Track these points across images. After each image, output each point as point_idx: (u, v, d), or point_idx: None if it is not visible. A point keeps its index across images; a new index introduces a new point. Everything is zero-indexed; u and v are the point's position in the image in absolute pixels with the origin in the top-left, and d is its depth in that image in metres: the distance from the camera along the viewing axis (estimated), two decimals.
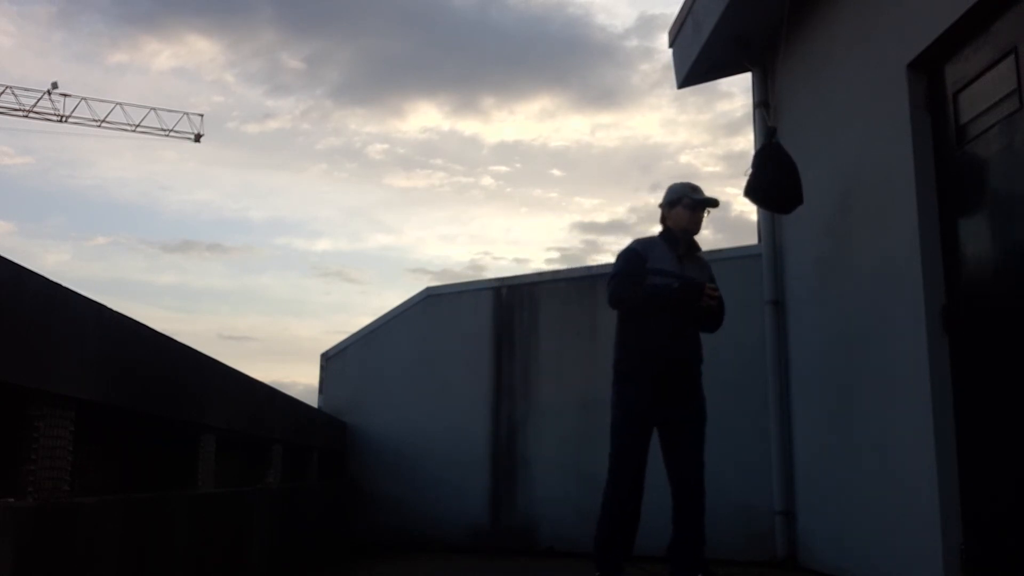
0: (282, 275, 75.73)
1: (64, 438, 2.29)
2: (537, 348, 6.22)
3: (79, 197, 68.66)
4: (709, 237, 13.46)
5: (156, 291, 66.09)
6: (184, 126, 36.89)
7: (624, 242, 4.10)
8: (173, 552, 2.98)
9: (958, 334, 3.44)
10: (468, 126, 68.57)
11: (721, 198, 4.05)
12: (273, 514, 4.33)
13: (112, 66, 59.81)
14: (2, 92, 34.28)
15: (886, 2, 3.96)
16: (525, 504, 6.02)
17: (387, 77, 67.54)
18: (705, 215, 4.05)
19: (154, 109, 35.89)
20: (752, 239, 5.72)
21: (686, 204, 4.00)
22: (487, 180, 69.49)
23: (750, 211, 5.82)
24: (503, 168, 71.61)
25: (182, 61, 62.28)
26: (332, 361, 6.85)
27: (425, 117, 66.35)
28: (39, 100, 34.53)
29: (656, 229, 4.12)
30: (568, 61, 66.07)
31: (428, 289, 6.70)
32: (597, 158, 70.60)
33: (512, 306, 6.38)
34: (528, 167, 71.57)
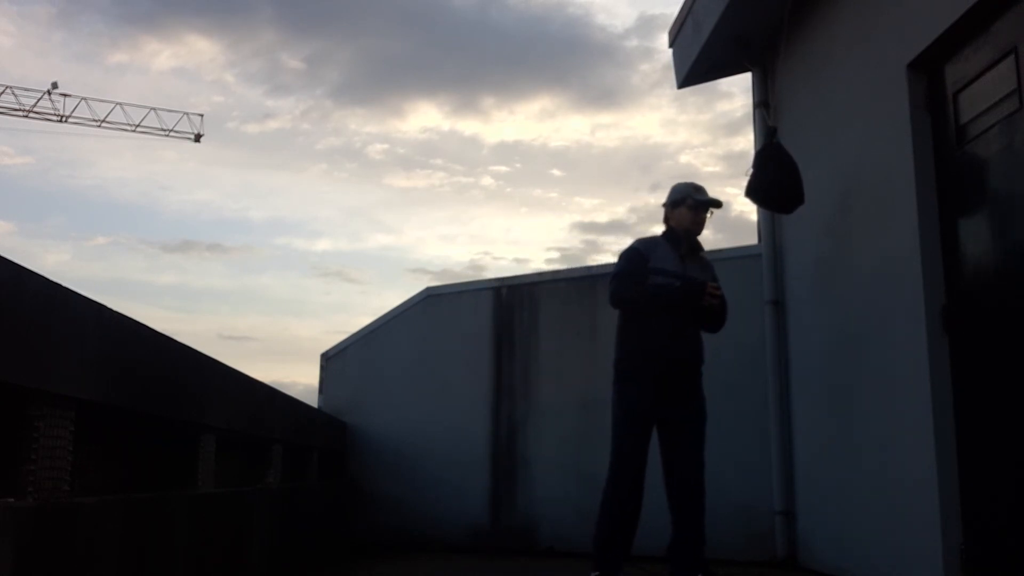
0: (282, 275, 75.80)
1: (64, 438, 2.29)
2: (537, 348, 6.22)
3: (79, 197, 68.71)
4: (709, 237, 13.41)
5: (156, 291, 66.14)
6: (184, 126, 36.91)
7: (624, 242, 4.11)
8: (173, 552, 2.98)
9: (958, 334, 3.44)
10: (468, 126, 68.62)
11: (721, 198, 4.06)
12: (273, 514, 4.33)
13: (112, 66, 59.85)
14: (2, 92, 34.31)
15: (886, 2, 3.96)
16: (525, 504, 6.02)
17: (387, 77, 67.59)
18: (708, 216, 4.05)
19: (154, 109, 35.94)
20: (752, 239, 5.72)
21: (689, 205, 4.01)
22: (487, 180, 69.53)
23: (750, 211, 5.83)
24: (503, 168, 71.65)
25: (182, 61, 62.33)
26: (332, 361, 6.85)
27: (425, 117, 66.40)
28: (39, 100, 34.57)
29: (657, 228, 4.14)
30: (568, 61, 66.12)
31: (428, 289, 6.70)
32: (597, 158, 70.64)
33: (512, 306, 6.38)
34: (528, 167, 71.63)
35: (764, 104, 5.51)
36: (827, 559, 4.54)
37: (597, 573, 3.80)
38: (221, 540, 3.53)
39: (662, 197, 4.14)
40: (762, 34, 5.26)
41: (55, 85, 34.75)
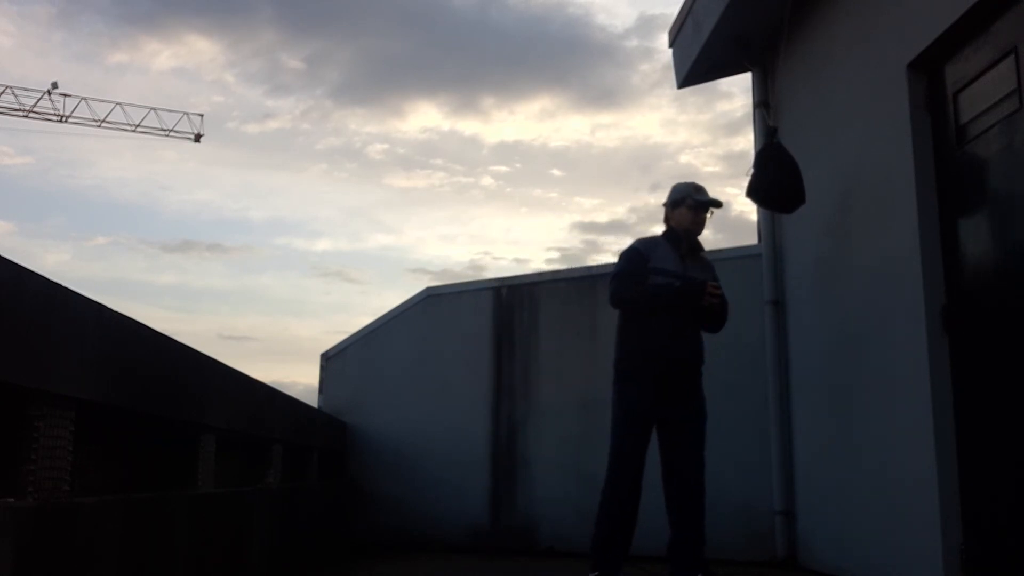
0: (282, 275, 75.79)
1: (64, 438, 2.29)
2: (537, 348, 6.22)
3: (79, 197, 68.71)
4: (709, 237, 13.40)
5: (156, 291, 66.14)
6: (184, 126, 36.92)
7: (624, 242, 4.12)
8: (173, 552, 2.98)
9: (958, 334, 3.44)
10: (468, 126, 68.61)
11: (721, 198, 4.06)
12: (273, 514, 4.33)
13: (112, 66, 59.85)
14: (2, 92, 34.32)
15: (886, 2, 3.96)
16: (525, 504, 6.02)
17: (387, 77, 67.59)
18: (708, 216, 4.05)
19: (154, 109, 35.94)
20: (752, 239, 5.72)
21: (689, 205, 4.01)
22: (487, 180, 69.52)
23: (750, 211, 5.83)
24: (503, 168, 71.65)
25: (182, 61, 62.32)
26: (332, 361, 6.85)
27: (425, 117, 66.39)
28: (39, 100, 34.57)
29: (657, 228, 4.14)
30: (568, 61, 66.12)
31: (428, 289, 6.70)
32: (597, 158, 70.64)
33: (512, 306, 6.38)
34: (528, 167, 71.62)
35: (764, 104, 5.51)
36: (827, 559, 4.54)
37: (596, 573, 3.80)
38: (221, 540, 3.53)
39: (662, 197, 4.15)
40: (762, 34, 5.26)
41: (55, 85, 34.80)
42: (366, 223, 76.19)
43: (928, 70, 3.66)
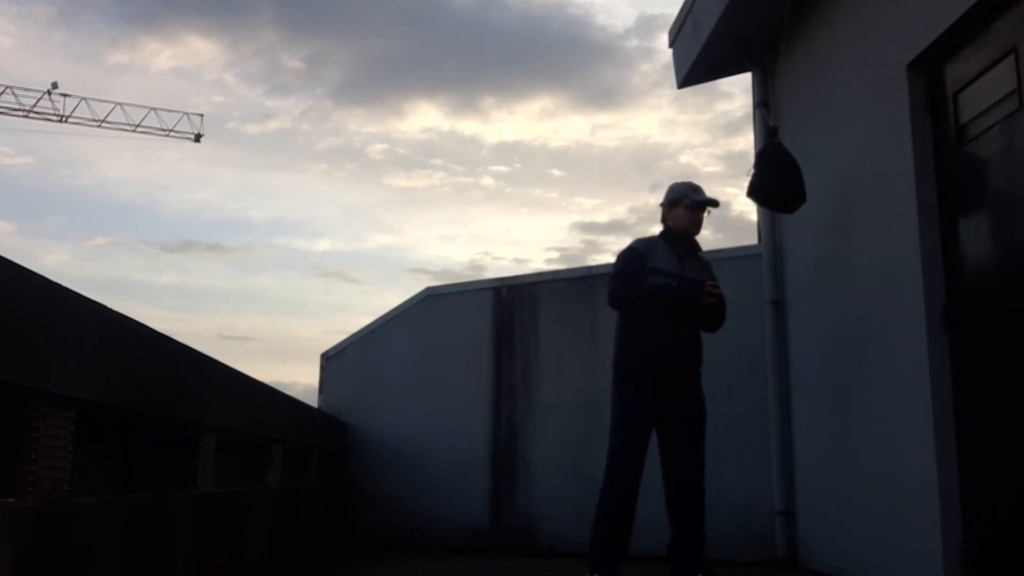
0: (282, 275, 75.79)
1: (64, 438, 2.29)
2: (537, 348, 6.22)
3: (79, 197, 68.71)
4: (709, 237, 13.46)
5: (156, 291, 66.14)
6: (184, 126, 36.91)
7: (624, 242, 4.11)
8: (173, 552, 2.98)
9: (958, 334, 3.44)
10: (468, 126, 68.61)
11: (721, 198, 4.05)
12: (273, 514, 4.33)
13: (112, 66, 59.85)
14: (2, 92, 34.31)
15: (886, 2, 3.96)
16: (525, 504, 6.02)
17: (387, 77, 67.59)
18: (705, 215, 4.05)
19: (154, 109, 35.93)
20: (752, 239, 5.72)
21: (686, 205, 4.00)
22: (487, 180, 69.52)
23: (750, 211, 5.83)
24: (503, 168, 71.65)
25: (182, 61, 62.33)
26: (332, 361, 6.85)
27: (425, 117, 66.39)
28: (39, 100, 34.56)
29: (658, 228, 4.13)
30: (568, 61, 66.12)
31: (428, 289, 6.70)
32: (597, 158, 70.64)
33: (512, 306, 6.38)
34: (528, 167, 71.62)
35: (764, 104, 5.51)
36: (827, 559, 4.54)
37: (594, 574, 3.80)
38: (221, 540, 3.53)
39: (662, 197, 4.14)
40: (762, 34, 5.26)
41: (55, 85, 34.79)
42: (366, 223, 76.24)
43: (928, 70, 3.66)
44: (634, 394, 3.88)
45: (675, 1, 6.00)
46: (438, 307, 6.61)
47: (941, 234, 3.55)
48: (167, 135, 36.16)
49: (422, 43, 63.76)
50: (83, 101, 35.77)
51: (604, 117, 69.00)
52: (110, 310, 2.55)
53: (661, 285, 3.89)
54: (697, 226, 4.04)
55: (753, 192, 4.55)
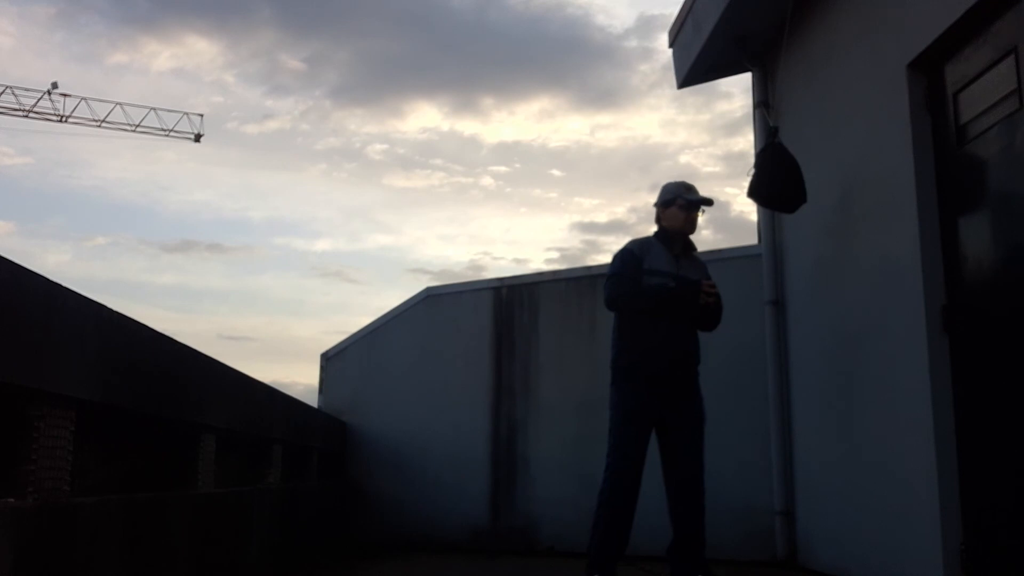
0: (282, 275, 75.76)
1: (64, 438, 2.29)
2: (537, 348, 6.22)
3: (79, 197, 68.68)
4: (709, 237, 13.49)
5: (156, 291, 66.13)
6: (184, 126, 36.96)
7: (623, 242, 4.10)
8: (173, 552, 2.98)
9: (958, 334, 3.44)
10: (467, 126, 68.56)
11: (721, 198, 4.14)
12: (273, 514, 4.33)
13: (112, 66, 59.77)
14: (2, 92, 34.30)
15: (886, 2, 3.96)
16: (525, 504, 6.02)
17: (386, 77, 67.55)
18: (700, 214, 4.05)
19: (154, 109, 35.93)
20: (752, 239, 5.72)
21: (680, 204, 4.00)
22: (487, 180, 69.49)
23: (750, 211, 5.83)
24: (503, 168, 71.59)
25: (181, 62, 62.29)
26: (332, 361, 6.85)
27: (424, 117, 66.31)
28: (39, 100, 34.55)
29: (654, 229, 4.12)
30: (567, 61, 66.09)
31: (428, 289, 6.70)
32: (597, 158, 70.61)
33: (512, 306, 6.38)
34: (528, 167, 71.61)
35: (764, 104, 5.51)
36: (827, 559, 4.54)
37: (593, 574, 3.79)
38: (221, 540, 3.53)
39: (656, 196, 4.12)
40: (762, 34, 5.26)
41: (55, 85, 34.77)
42: (366, 223, 76.20)
43: (928, 70, 3.66)
44: (632, 394, 3.87)
45: (675, 1, 6.01)
46: (438, 307, 6.61)
47: (941, 234, 3.55)
48: (167, 135, 36.19)
49: (421, 43, 63.80)
50: (83, 101, 35.83)
51: (604, 117, 68.97)
52: (110, 310, 2.55)
53: (658, 286, 3.89)
54: (692, 226, 4.04)
55: (753, 192, 4.55)
